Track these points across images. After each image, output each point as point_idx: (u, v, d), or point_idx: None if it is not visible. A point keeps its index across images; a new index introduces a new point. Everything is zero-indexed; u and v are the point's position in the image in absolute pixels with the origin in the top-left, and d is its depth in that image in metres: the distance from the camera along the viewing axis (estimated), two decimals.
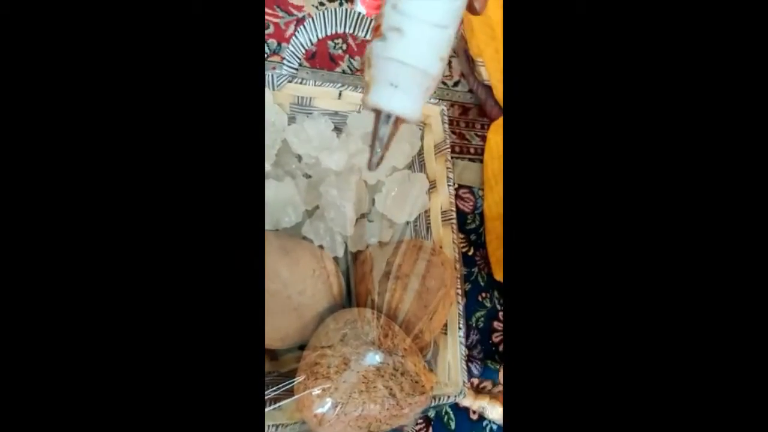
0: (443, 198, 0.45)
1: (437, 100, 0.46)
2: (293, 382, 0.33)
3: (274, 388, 0.34)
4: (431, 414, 0.46)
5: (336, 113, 0.46)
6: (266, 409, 0.34)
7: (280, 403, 0.33)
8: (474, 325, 0.51)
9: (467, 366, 0.41)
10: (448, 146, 0.46)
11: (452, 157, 0.50)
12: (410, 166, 0.49)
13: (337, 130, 0.45)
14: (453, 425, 0.47)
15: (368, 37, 0.38)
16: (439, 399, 0.39)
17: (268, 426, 0.34)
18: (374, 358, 0.33)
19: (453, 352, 0.41)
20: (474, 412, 0.48)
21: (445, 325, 0.42)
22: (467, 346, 0.50)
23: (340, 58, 0.53)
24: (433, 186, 0.47)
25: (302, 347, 0.37)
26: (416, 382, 0.34)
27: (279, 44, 0.51)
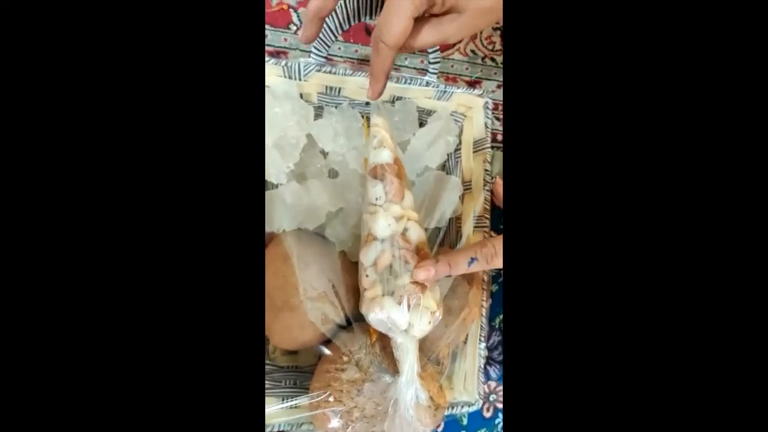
0: (478, 202, 0.42)
1: (482, 91, 0.41)
2: (310, 395, 0.34)
3: (293, 402, 0.35)
4: None
5: (367, 104, 0.41)
6: (282, 407, 0.35)
7: (297, 416, 0.34)
8: (497, 326, 0.50)
9: (486, 369, 0.40)
10: (489, 144, 0.41)
11: (494, 148, 0.45)
12: (444, 165, 0.45)
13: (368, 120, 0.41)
14: (465, 421, 0.48)
15: None
16: (454, 408, 0.39)
17: (284, 424, 0.36)
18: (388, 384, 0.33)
19: (471, 362, 0.41)
20: (487, 410, 0.48)
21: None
22: (488, 347, 0.50)
23: None
24: (468, 187, 0.43)
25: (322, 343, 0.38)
26: (428, 406, 0.34)
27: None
